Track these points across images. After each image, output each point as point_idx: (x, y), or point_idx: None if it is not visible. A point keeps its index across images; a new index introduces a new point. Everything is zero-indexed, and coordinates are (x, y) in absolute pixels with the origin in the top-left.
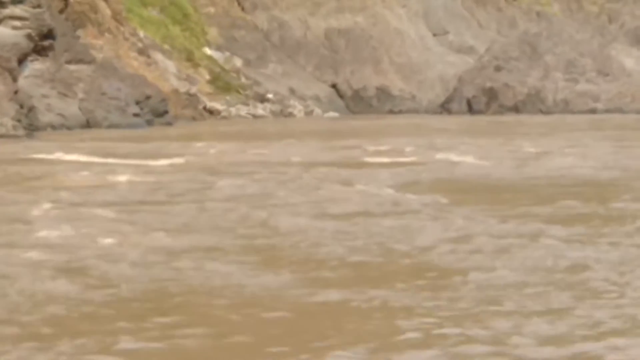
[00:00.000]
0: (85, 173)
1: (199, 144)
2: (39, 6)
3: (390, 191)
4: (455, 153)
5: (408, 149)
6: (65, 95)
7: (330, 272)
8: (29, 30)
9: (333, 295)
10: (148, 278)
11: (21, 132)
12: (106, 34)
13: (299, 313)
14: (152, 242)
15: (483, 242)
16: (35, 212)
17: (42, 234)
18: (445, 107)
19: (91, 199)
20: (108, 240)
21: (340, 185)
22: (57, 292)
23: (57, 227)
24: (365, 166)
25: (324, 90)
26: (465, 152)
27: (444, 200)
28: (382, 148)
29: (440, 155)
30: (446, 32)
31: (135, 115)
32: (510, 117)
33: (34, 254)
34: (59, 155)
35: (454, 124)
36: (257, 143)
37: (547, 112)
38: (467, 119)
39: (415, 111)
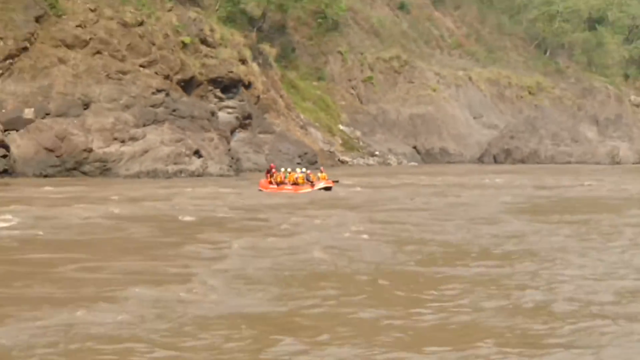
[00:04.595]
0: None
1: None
2: (242, 100)
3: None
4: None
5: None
6: (257, 152)
7: None
8: (237, 114)
9: None
10: None
11: (232, 173)
12: (282, 117)
13: None
14: None
15: None
16: None
17: None
18: (480, 160)
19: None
20: None
21: None
22: None
23: None
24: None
25: (408, 150)
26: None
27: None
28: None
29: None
30: (481, 116)
31: (298, 163)
32: (518, 166)
33: None
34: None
35: (492, 169)
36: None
37: (540, 163)
38: (494, 166)
39: (462, 162)
